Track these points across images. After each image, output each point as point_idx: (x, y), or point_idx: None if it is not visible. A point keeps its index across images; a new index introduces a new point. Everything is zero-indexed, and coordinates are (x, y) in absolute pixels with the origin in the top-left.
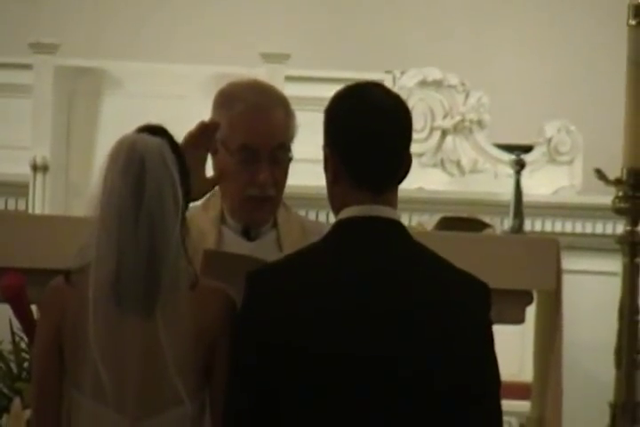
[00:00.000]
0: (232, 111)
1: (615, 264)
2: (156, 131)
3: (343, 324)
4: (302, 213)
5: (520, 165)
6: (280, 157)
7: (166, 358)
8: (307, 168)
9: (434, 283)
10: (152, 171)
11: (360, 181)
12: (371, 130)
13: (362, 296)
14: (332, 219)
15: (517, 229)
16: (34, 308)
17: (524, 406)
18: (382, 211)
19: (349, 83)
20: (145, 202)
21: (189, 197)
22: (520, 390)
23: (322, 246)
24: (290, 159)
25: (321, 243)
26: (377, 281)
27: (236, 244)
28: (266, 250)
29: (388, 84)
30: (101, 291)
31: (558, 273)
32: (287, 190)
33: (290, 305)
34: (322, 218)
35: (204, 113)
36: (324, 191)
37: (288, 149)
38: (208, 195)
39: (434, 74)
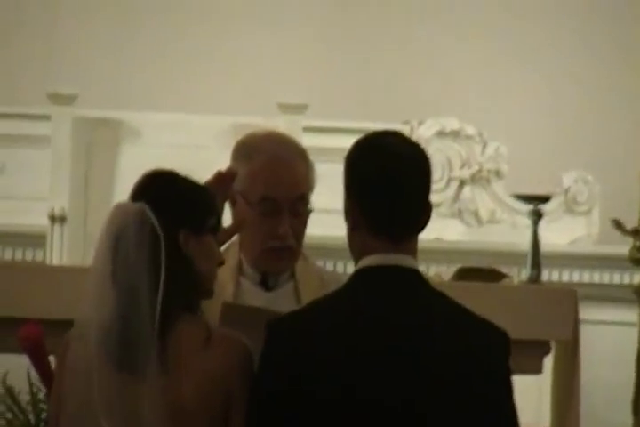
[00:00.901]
0: (252, 163)
1: (632, 314)
2: (159, 180)
3: (363, 371)
4: (319, 263)
5: (537, 216)
6: (300, 208)
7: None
8: (324, 218)
9: (454, 330)
10: (127, 245)
11: (378, 229)
12: (389, 178)
13: (381, 344)
14: (350, 269)
15: (535, 279)
16: (52, 359)
17: None
18: (402, 260)
19: (367, 133)
20: (121, 276)
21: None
22: None
23: (341, 295)
24: (309, 211)
25: (340, 291)
26: (396, 329)
27: (253, 294)
28: (283, 300)
29: (406, 134)
30: (99, 357)
31: (575, 323)
32: (304, 240)
33: (310, 354)
34: (339, 268)
35: (223, 163)
36: (341, 242)
37: (308, 201)
38: (226, 245)
39: (451, 124)
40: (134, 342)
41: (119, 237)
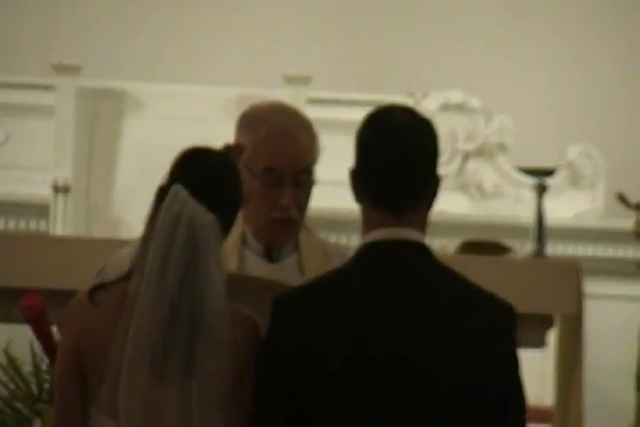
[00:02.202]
0: (256, 134)
1: (636, 288)
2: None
3: (372, 343)
4: (322, 235)
5: (542, 189)
6: (304, 180)
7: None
8: (328, 190)
9: (459, 303)
10: (203, 257)
11: (379, 202)
12: (388, 151)
13: (387, 317)
14: (354, 240)
15: (539, 252)
16: (54, 328)
17: None
18: (405, 233)
19: (371, 105)
20: (191, 286)
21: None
22: (541, 414)
23: (346, 270)
24: (313, 182)
25: (346, 267)
26: (401, 303)
27: (257, 266)
28: (287, 272)
29: (410, 105)
30: (137, 354)
31: (579, 297)
32: (308, 212)
33: (317, 330)
34: (343, 240)
35: (227, 135)
36: (344, 213)
37: (312, 173)
38: None
39: (456, 97)
40: (194, 346)
41: (195, 245)
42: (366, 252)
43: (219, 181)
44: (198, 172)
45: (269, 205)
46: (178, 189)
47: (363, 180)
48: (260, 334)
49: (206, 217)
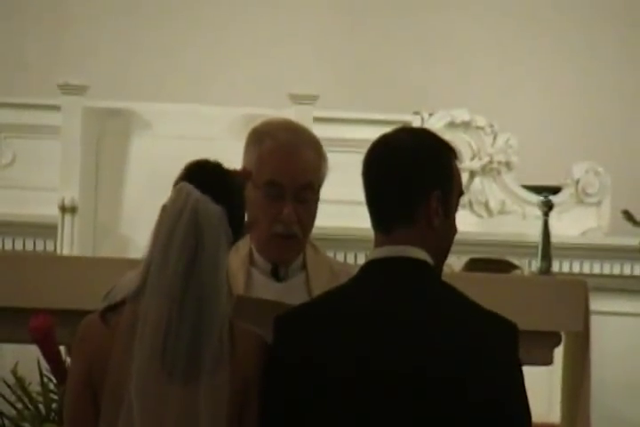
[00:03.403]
0: (262, 147)
1: None
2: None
3: (373, 360)
4: (328, 254)
5: (548, 207)
6: (306, 196)
7: (202, 422)
8: (333, 209)
9: (460, 320)
10: (210, 249)
11: (376, 220)
12: (373, 172)
13: (388, 335)
14: (360, 259)
15: (545, 270)
16: (62, 349)
17: None
18: (402, 250)
19: (378, 124)
20: (196, 280)
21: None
22: None
23: (347, 288)
24: (317, 200)
25: (346, 284)
26: (402, 321)
27: (264, 285)
28: (294, 292)
29: (416, 125)
30: (146, 356)
31: (586, 314)
32: (314, 231)
33: (317, 344)
34: (350, 259)
35: (233, 154)
36: (351, 232)
37: (315, 190)
38: None
39: (462, 115)
40: (199, 349)
41: (200, 234)
42: (365, 270)
43: (224, 182)
44: (204, 173)
45: (271, 220)
46: (182, 185)
47: (365, 197)
48: (266, 350)
49: (212, 207)
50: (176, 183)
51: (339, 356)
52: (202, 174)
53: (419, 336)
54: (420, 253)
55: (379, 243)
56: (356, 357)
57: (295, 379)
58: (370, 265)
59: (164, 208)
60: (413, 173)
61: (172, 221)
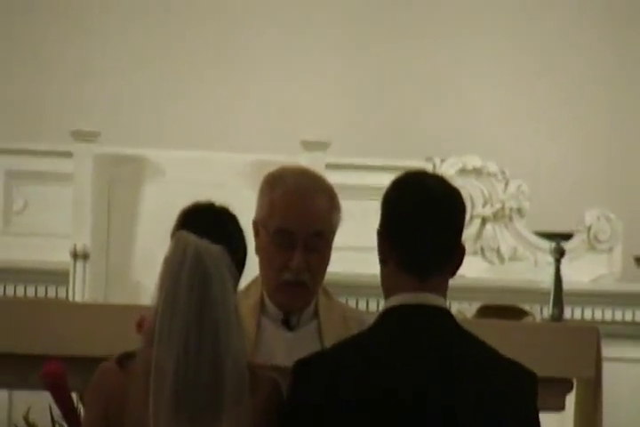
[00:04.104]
0: (274, 193)
1: None
2: (218, 217)
3: (392, 411)
4: (341, 300)
5: (560, 253)
6: (316, 244)
7: None
8: (344, 256)
9: (482, 371)
10: (217, 287)
11: (407, 266)
12: (420, 218)
13: (409, 384)
14: (372, 306)
15: (557, 317)
16: (74, 395)
17: None
18: (430, 299)
19: (390, 170)
20: (208, 318)
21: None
22: None
23: (368, 334)
24: (329, 248)
25: (367, 331)
26: (424, 369)
27: (275, 334)
28: (306, 340)
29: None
30: (162, 405)
31: (598, 361)
32: (326, 277)
33: (336, 395)
34: (362, 305)
35: (244, 200)
36: (363, 279)
37: (326, 238)
38: (249, 281)
39: (474, 162)
40: (219, 388)
41: (206, 277)
42: (390, 316)
43: (219, 222)
44: (197, 217)
45: (280, 267)
46: (179, 234)
47: (392, 242)
48: (282, 394)
49: (213, 248)
50: (173, 232)
51: (359, 405)
52: (196, 219)
53: (445, 385)
54: (445, 303)
55: (409, 288)
56: (379, 406)
57: (320, 421)
58: (399, 310)
59: (166, 260)
60: (458, 223)
61: (175, 270)
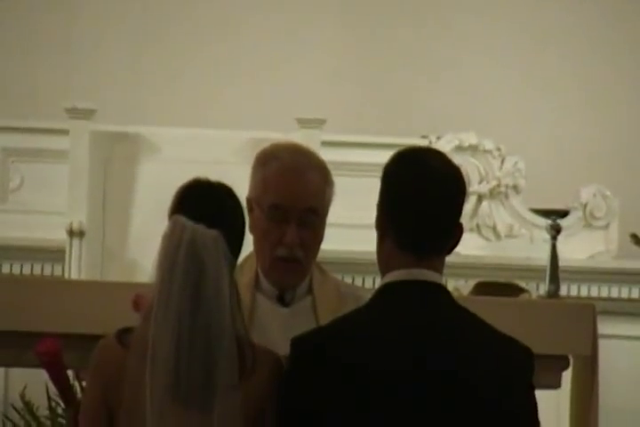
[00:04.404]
0: (267, 169)
1: None
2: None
3: (391, 387)
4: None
5: (556, 230)
6: (309, 220)
7: None
8: (340, 233)
9: (482, 345)
10: (211, 272)
11: (405, 243)
12: (421, 195)
13: (407, 359)
14: (368, 282)
15: (553, 293)
16: (70, 373)
17: None
18: (426, 275)
19: (386, 148)
20: (202, 302)
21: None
22: None
23: (365, 310)
24: (322, 225)
25: (364, 307)
26: (421, 344)
27: (270, 311)
28: (300, 316)
29: None
30: (159, 383)
31: (594, 338)
32: (320, 254)
33: (337, 370)
34: (357, 282)
35: (241, 178)
36: (356, 256)
37: (319, 214)
38: (243, 257)
39: (470, 139)
40: (212, 371)
41: (200, 264)
42: (387, 292)
43: (216, 205)
44: (195, 200)
45: (274, 243)
46: (175, 218)
47: (390, 219)
48: (282, 369)
49: (208, 233)
50: (170, 212)
51: (366, 372)
52: (192, 201)
53: (443, 362)
54: (441, 279)
55: (406, 264)
56: (384, 372)
57: (311, 406)
58: (396, 286)
59: (163, 240)
60: (458, 204)
61: (171, 254)
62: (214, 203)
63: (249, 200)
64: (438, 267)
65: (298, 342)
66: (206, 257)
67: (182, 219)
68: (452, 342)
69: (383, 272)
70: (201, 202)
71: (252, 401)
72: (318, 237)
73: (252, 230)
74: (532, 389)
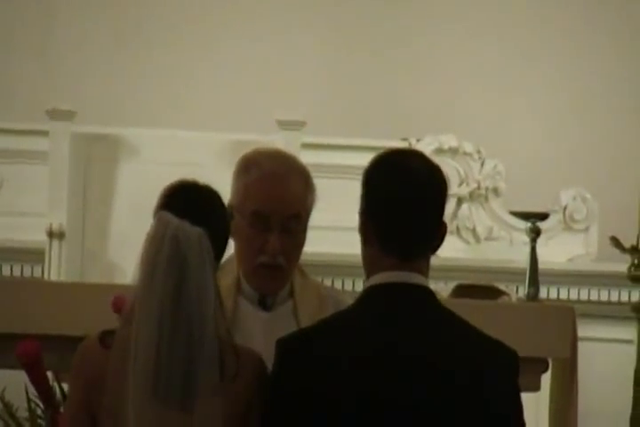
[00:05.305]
0: (248, 176)
1: (630, 332)
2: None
3: (374, 389)
4: (317, 279)
5: (536, 233)
6: (292, 226)
7: None
8: (321, 235)
9: (465, 349)
10: (194, 272)
11: (388, 246)
12: (402, 198)
13: (391, 361)
14: (347, 285)
15: (533, 296)
16: (49, 374)
17: None
18: (411, 277)
19: (366, 150)
20: (184, 301)
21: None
22: None
23: (350, 313)
24: (304, 230)
25: (349, 310)
26: (406, 346)
27: (251, 315)
28: (282, 320)
29: None
30: (140, 384)
31: (574, 341)
32: (303, 257)
33: (320, 373)
34: (338, 285)
35: (220, 180)
36: (338, 258)
37: (301, 220)
38: (224, 260)
39: (450, 141)
40: (193, 371)
41: (183, 262)
42: (371, 295)
43: (201, 203)
44: (180, 197)
45: (256, 250)
46: (161, 213)
47: (373, 223)
48: (266, 371)
49: (193, 230)
50: (156, 210)
51: (341, 385)
52: (178, 199)
53: (426, 364)
54: (426, 281)
55: (391, 267)
56: (369, 375)
57: (296, 407)
58: (380, 289)
59: (146, 239)
60: (441, 205)
61: (154, 251)
62: (200, 202)
63: (230, 207)
64: (423, 268)
65: (284, 343)
66: (189, 254)
67: (168, 215)
68: (438, 344)
69: (368, 275)
70: (187, 201)
71: (237, 403)
72: (300, 242)
73: (233, 236)
74: (518, 391)
